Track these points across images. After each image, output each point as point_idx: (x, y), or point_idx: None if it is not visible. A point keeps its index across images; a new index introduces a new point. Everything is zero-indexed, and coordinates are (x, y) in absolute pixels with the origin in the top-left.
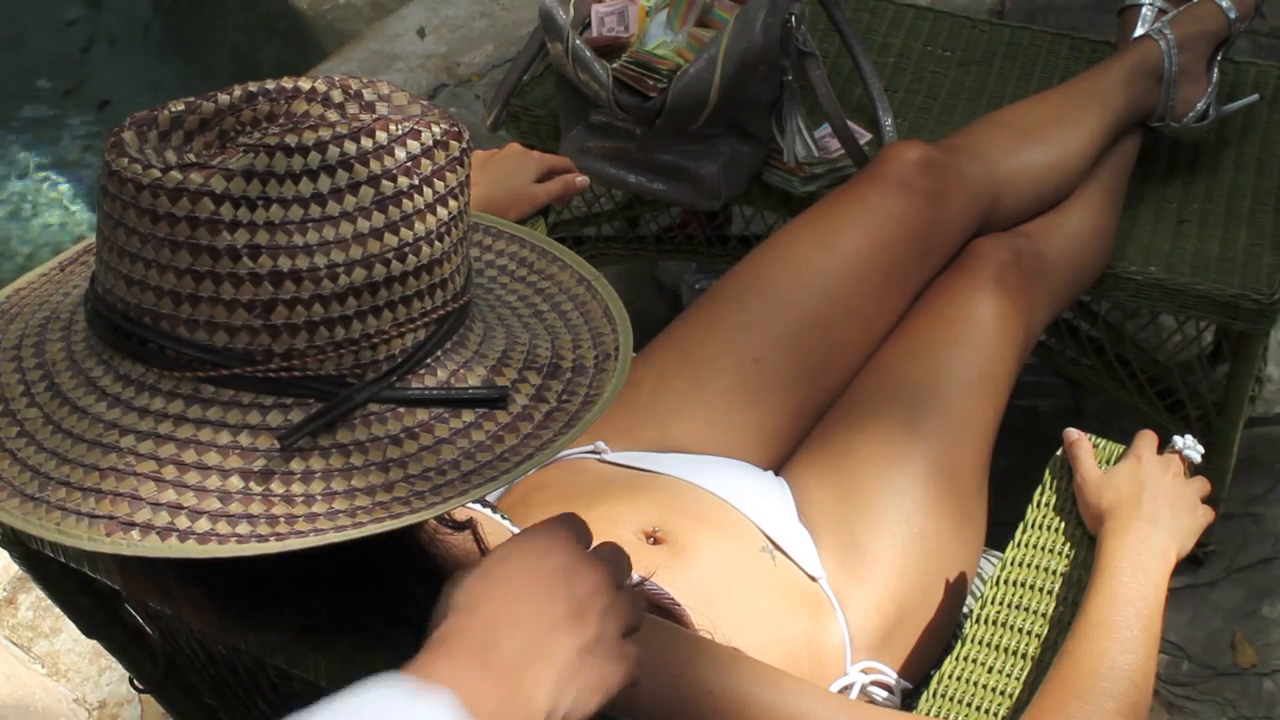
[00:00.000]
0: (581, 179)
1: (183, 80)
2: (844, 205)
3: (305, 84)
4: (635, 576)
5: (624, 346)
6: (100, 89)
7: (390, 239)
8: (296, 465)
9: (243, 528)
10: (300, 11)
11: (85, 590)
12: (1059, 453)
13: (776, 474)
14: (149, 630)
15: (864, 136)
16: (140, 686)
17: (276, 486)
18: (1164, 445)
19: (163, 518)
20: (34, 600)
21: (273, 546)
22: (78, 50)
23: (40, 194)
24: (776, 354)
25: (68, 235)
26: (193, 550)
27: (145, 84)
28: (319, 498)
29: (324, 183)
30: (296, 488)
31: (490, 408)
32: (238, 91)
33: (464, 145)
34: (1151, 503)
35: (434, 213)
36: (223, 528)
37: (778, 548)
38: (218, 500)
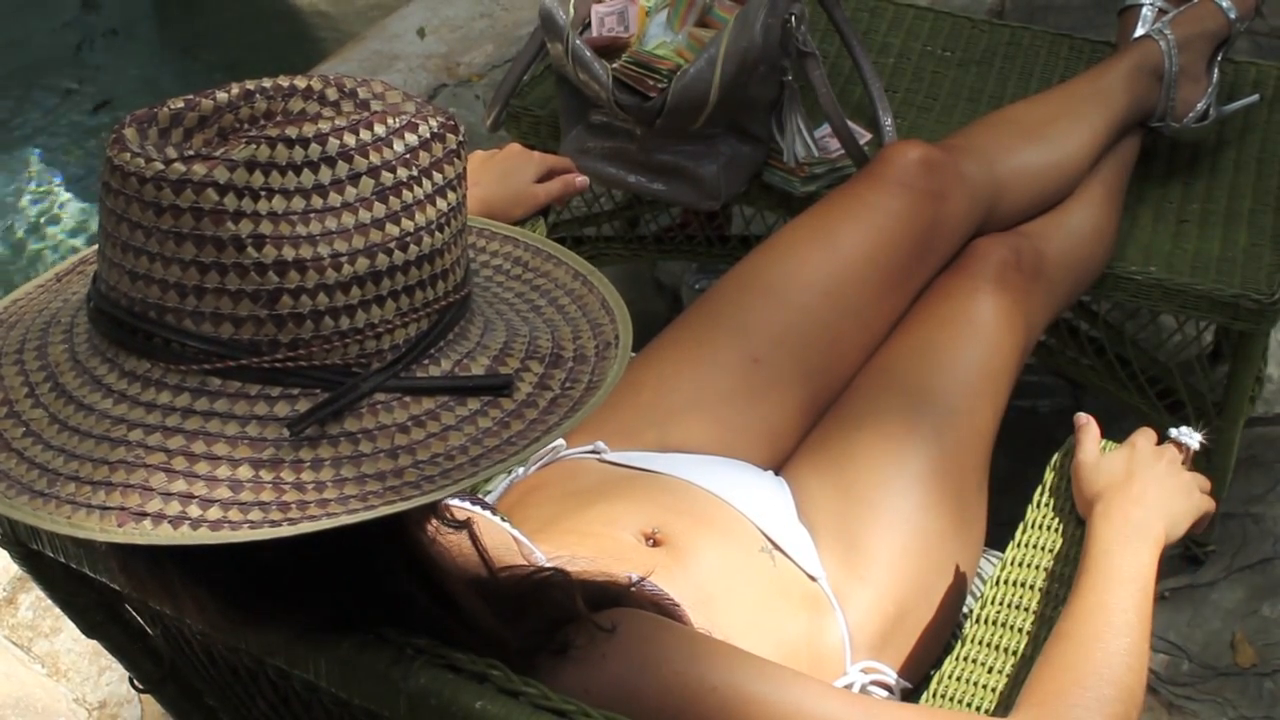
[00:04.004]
0: (581, 179)
1: (182, 80)
2: (844, 205)
3: (301, 82)
4: (633, 576)
5: (623, 335)
6: (99, 89)
7: (391, 229)
8: (306, 454)
9: (254, 514)
10: (300, 11)
11: (85, 590)
12: (1059, 453)
13: (776, 474)
14: (149, 630)
15: (864, 136)
16: (140, 686)
17: (286, 474)
18: (1163, 441)
19: (174, 507)
20: (34, 600)
21: (285, 530)
22: (77, 50)
23: (40, 193)
24: (776, 354)
25: (67, 234)
26: (205, 537)
27: (145, 84)
28: (329, 484)
29: (325, 174)
30: (307, 475)
31: (495, 395)
32: (235, 89)
33: (460, 138)
34: (1141, 486)
35: (433, 204)
36: (234, 515)
37: (777, 547)
38: (228, 489)
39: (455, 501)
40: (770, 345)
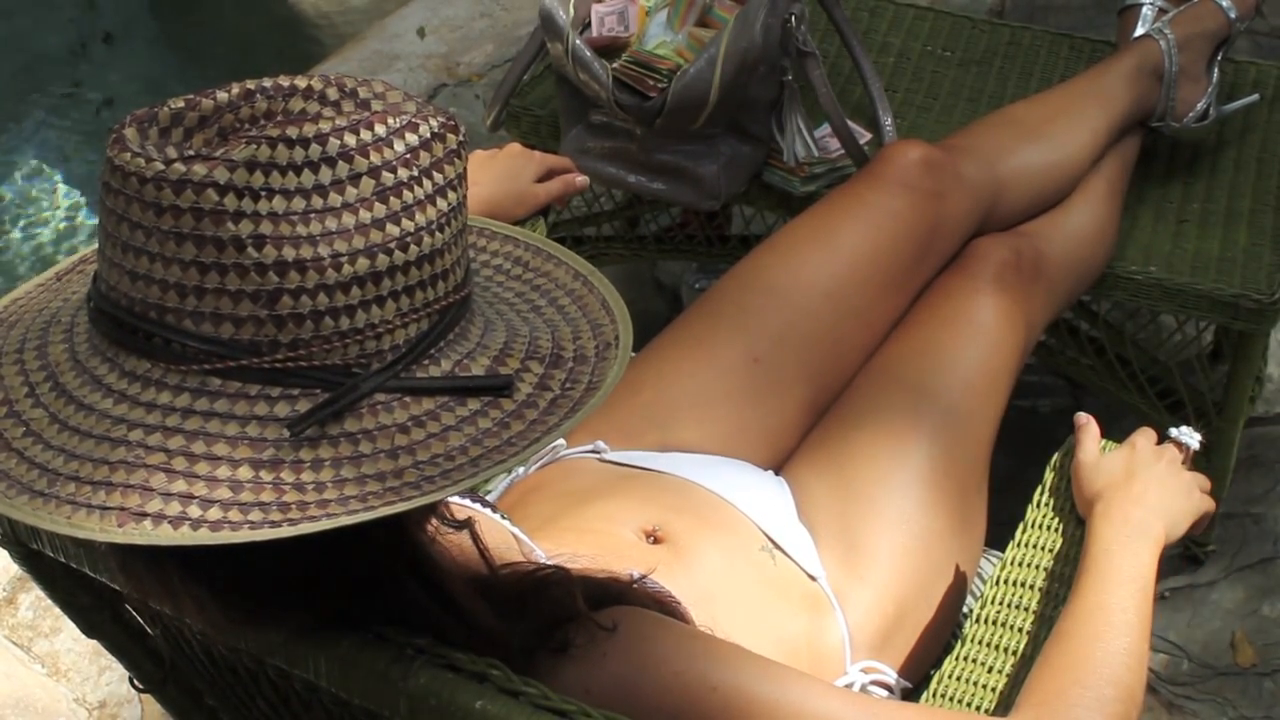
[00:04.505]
0: (582, 179)
1: (183, 80)
2: (844, 205)
3: (302, 82)
4: (635, 574)
5: (624, 336)
6: (100, 89)
7: (392, 229)
8: (306, 454)
9: (254, 515)
10: (300, 11)
11: (85, 590)
12: (1059, 453)
13: (777, 473)
14: (149, 630)
15: (864, 136)
16: (140, 686)
17: (286, 475)
18: (1162, 441)
19: (174, 507)
20: (34, 600)
21: (285, 531)
22: (77, 50)
23: (41, 194)
24: (777, 354)
25: (68, 234)
26: (205, 538)
27: (145, 84)
28: (329, 484)
29: (325, 174)
30: (307, 475)
31: (496, 396)
32: (236, 89)
33: (460, 139)
34: (1141, 485)
35: (434, 204)
36: (234, 515)
37: (777, 547)
38: (228, 489)
39: (456, 500)
40: (771, 345)
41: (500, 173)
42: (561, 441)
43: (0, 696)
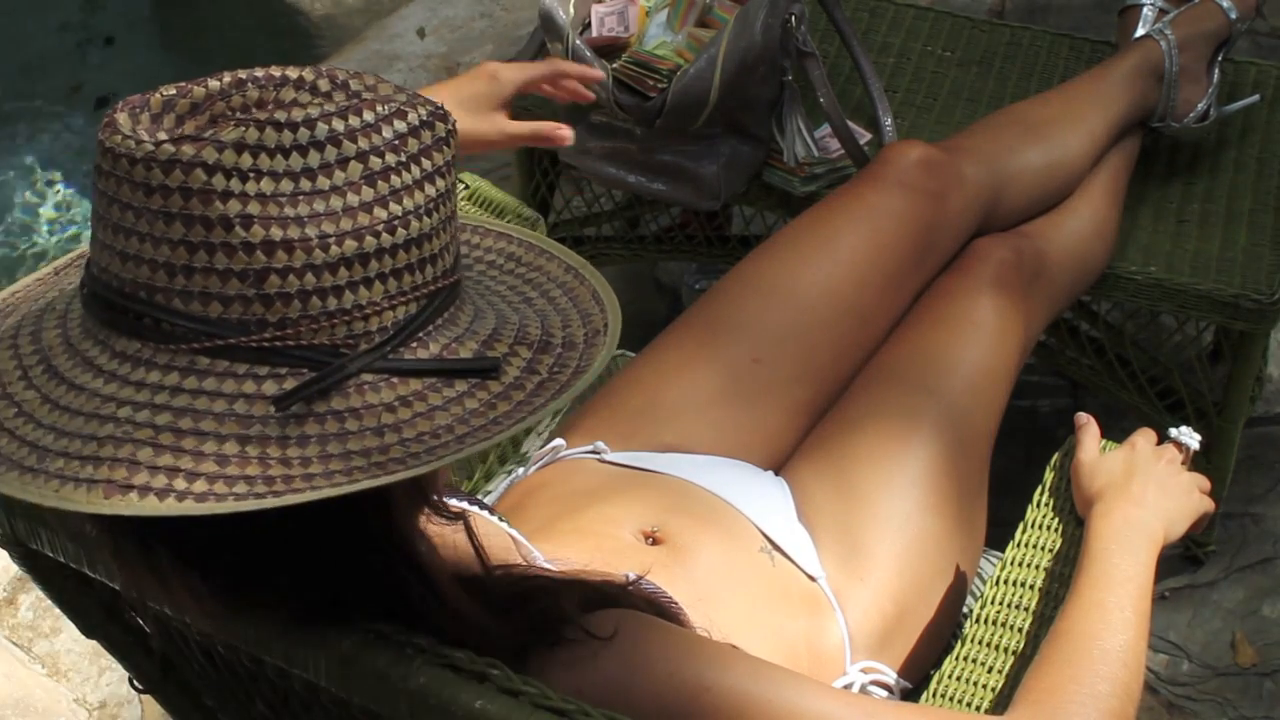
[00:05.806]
0: (568, 90)
1: (182, 79)
2: (844, 205)
3: (293, 72)
4: (631, 576)
5: (612, 324)
6: (100, 88)
7: (379, 213)
8: (292, 431)
9: (239, 487)
10: (300, 11)
11: (85, 590)
12: (1059, 453)
13: (776, 474)
14: (148, 630)
15: (864, 136)
16: (140, 686)
17: (273, 450)
18: (1163, 441)
19: (160, 480)
20: (34, 600)
21: (270, 502)
22: (77, 49)
23: (40, 192)
24: (776, 354)
25: (67, 232)
26: (190, 509)
27: (144, 83)
28: (315, 460)
29: (313, 158)
30: (293, 451)
31: (483, 378)
32: (227, 78)
33: (449, 127)
34: (1141, 485)
35: (422, 189)
36: (220, 488)
37: (777, 548)
38: (215, 463)
39: (453, 502)
40: (771, 345)
41: (457, 100)
42: (561, 442)
43: (0, 696)
